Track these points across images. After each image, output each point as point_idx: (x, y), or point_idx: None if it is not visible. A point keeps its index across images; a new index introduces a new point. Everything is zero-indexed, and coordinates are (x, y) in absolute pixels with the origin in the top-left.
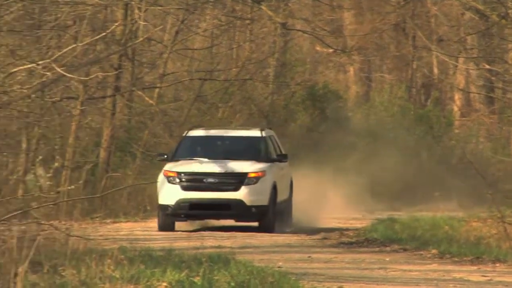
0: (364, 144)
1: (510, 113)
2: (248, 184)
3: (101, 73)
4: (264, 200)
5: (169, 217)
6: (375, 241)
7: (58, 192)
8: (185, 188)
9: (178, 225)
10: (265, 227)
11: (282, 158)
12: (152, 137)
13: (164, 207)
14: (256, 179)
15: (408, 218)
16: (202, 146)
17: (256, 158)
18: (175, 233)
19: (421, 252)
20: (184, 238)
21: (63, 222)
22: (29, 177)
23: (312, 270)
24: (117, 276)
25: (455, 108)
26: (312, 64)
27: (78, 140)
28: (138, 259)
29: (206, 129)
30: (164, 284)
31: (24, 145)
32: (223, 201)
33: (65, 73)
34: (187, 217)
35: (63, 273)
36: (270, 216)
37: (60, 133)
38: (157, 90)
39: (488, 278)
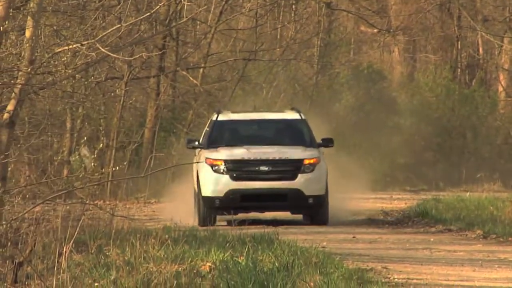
0: (408, 124)
1: None
2: (304, 172)
3: (145, 53)
4: (321, 189)
5: (215, 211)
6: (419, 221)
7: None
8: (236, 178)
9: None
10: (320, 220)
11: (328, 142)
12: (196, 117)
13: (210, 200)
14: (313, 166)
15: (452, 199)
16: (238, 131)
17: (302, 143)
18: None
19: (466, 233)
20: (226, 218)
21: (107, 202)
22: (74, 157)
23: (356, 250)
24: (161, 256)
25: (500, 89)
26: (357, 44)
27: (122, 120)
28: (182, 239)
29: (235, 112)
30: (208, 264)
31: (68, 126)
32: (279, 191)
33: (109, 53)
34: (238, 209)
35: (107, 253)
36: (326, 207)
37: (105, 113)
38: (201, 70)
39: None
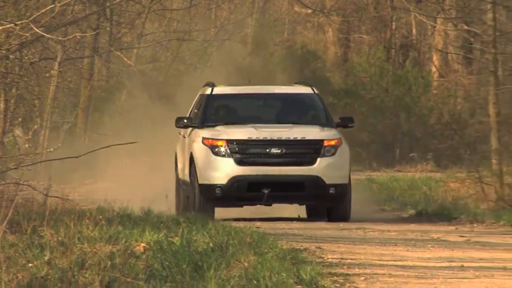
0: (342, 105)
1: (488, 74)
2: (325, 155)
3: (79, 34)
4: (344, 177)
5: (215, 202)
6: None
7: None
8: (241, 162)
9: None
10: (341, 215)
11: (347, 122)
12: (130, 97)
13: (208, 189)
14: (334, 149)
15: (386, 179)
16: (240, 107)
17: (318, 121)
18: (154, 193)
19: (399, 213)
20: (162, 199)
21: (41, 183)
22: (8, 138)
23: (290, 230)
24: (96, 236)
25: (433, 69)
26: (291, 25)
27: (56, 100)
28: (116, 219)
29: (232, 85)
30: (143, 244)
31: (2, 106)
32: (295, 179)
33: (43, 34)
34: (243, 201)
35: (41, 234)
36: (349, 199)
37: (38, 94)
38: (135, 50)
39: (466, 238)
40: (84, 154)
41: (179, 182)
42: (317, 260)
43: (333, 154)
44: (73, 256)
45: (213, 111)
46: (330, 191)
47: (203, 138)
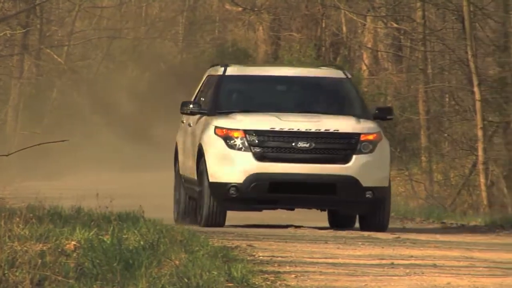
0: None
1: (417, 71)
2: (361, 152)
3: (8, 31)
4: (384, 179)
5: (228, 204)
6: None
7: None
8: (262, 157)
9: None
10: (378, 223)
11: (386, 113)
12: (61, 95)
13: (221, 188)
14: (373, 145)
15: None
16: (259, 91)
17: (352, 111)
18: (84, 191)
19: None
20: (93, 196)
21: None
22: None
23: (222, 228)
24: (26, 234)
25: (364, 67)
26: (222, 23)
27: None
28: (47, 218)
29: (248, 66)
30: (73, 242)
31: None
32: (325, 179)
33: None
34: (263, 203)
35: None
36: (388, 205)
37: None
38: (65, 48)
39: (396, 236)
40: (14, 152)
41: (180, 180)
42: (248, 258)
43: (371, 151)
44: (4, 255)
45: (227, 96)
46: (367, 195)
47: (216, 127)
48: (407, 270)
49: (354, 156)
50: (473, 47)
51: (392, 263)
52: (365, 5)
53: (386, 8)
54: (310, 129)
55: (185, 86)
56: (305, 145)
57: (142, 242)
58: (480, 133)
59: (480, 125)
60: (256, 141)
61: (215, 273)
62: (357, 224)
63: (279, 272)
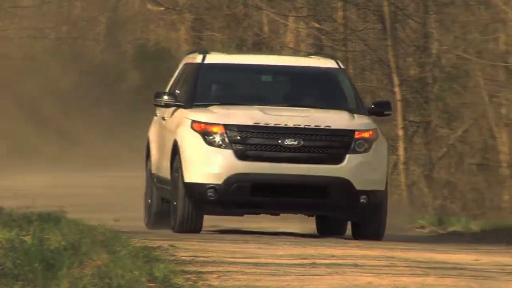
0: None
1: None
2: (356, 151)
3: None
4: (380, 181)
5: (206, 208)
6: None
7: None
8: (244, 155)
9: None
10: (373, 231)
11: (383, 108)
12: None
13: (198, 190)
14: (368, 144)
15: None
16: (242, 82)
17: (346, 106)
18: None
19: None
20: (12, 196)
21: None
22: None
23: (143, 228)
24: None
25: None
26: (144, 23)
27: None
28: None
29: (230, 53)
30: None
31: None
32: (316, 182)
33: None
34: (245, 207)
35: None
36: (384, 212)
37: None
38: None
39: (318, 235)
40: None
41: (152, 179)
42: (170, 258)
43: (367, 150)
44: None
45: (206, 86)
46: (361, 200)
47: (193, 122)
48: (329, 270)
49: (347, 156)
50: (394, 48)
51: (314, 263)
52: (287, 6)
53: (308, 8)
54: (299, 125)
55: (106, 86)
56: (292, 142)
57: (63, 243)
58: (401, 133)
59: (401, 125)
60: (238, 138)
61: (137, 273)
62: (348, 231)
63: (201, 272)
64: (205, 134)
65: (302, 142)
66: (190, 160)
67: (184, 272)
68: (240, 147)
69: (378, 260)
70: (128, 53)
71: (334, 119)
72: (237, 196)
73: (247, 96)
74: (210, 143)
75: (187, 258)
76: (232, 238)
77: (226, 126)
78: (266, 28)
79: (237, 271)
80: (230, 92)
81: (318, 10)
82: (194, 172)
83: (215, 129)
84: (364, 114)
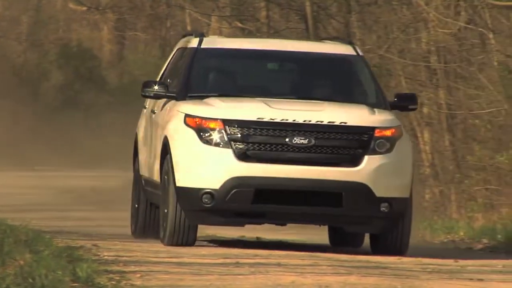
0: (120, 102)
1: None
2: (376, 152)
3: None
4: (404, 187)
5: (202, 217)
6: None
7: None
8: (245, 156)
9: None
10: (396, 245)
11: (408, 101)
12: None
13: (193, 196)
14: (390, 143)
15: None
16: (243, 71)
17: (365, 99)
18: None
19: None
20: None
21: None
22: None
23: (66, 228)
24: None
25: None
26: (66, 22)
27: None
28: None
29: (230, 37)
30: None
31: None
32: (329, 187)
33: None
34: (246, 216)
35: None
36: (408, 221)
37: None
38: None
39: (241, 235)
40: None
41: (139, 181)
42: (93, 258)
43: (389, 150)
44: None
45: (202, 75)
46: (382, 209)
47: (187, 116)
48: (252, 269)
49: (366, 157)
50: None
51: (237, 262)
52: (210, 5)
53: (231, 8)
54: (310, 121)
55: (28, 86)
56: (302, 141)
57: None
58: None
59: None
60: (239, 135)
61: (60, 273)
62: (366, 243)
63: (124, 271)
64: (201, 130)
65: (313, 141)
66: (182, 160)
67: (107, 271)
68: (241, 146)
69: (301, 259)
70: (50, 52)
71: (351, 114)
72: (237, 203)
73: (250, 86)
74: (206, 141)
75: (110, 257)
76: (155, 237)
77: (225, 122)
78: (189, 28)
79: (160, 271)
80: (230, 82)
81: (241, 10)
82: (187, 175)
83: (212, 124)
84: (386, 108)
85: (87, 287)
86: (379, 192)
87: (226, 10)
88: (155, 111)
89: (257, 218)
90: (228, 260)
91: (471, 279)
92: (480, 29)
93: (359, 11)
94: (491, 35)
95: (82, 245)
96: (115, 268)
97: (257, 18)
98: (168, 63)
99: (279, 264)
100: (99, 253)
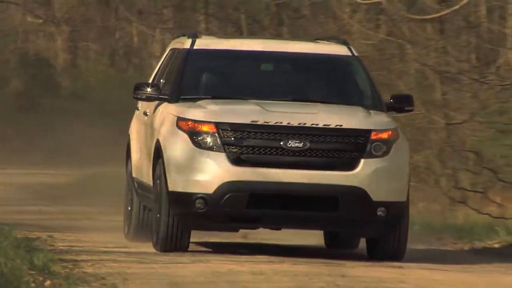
0: (73, 106)
1: None
2: (372, 155)
3: None
4: (400, 190)
5: (194, 222)
6: (79, 194)
7: None
8: (239, 160)
9: None
10: (392, 250)
11: (404, 103)
12: None
13: (185, 200)
14: (387, 146)
15: (112, 174)
16: (237, 72)
17: (360, 100)
18: None
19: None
20: None
21: None
22: None
23: (24, 220)
24: None
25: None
26: (25, 34)
27: None
28: None
29: (223, 38)
30: None
31: None
32: (325, 191)
33: None
34: (241, 222)
35: None
36: (405, 226)
37: None
38: None
39: None
40: None
41: (132, 184)
42: (49, 248)
43: (386, 153)
44: None
45: (195, 77)
46: (379, 213)
47: (179, 119)
48: (193, 258)
49: (362, 161)
50: None
51: (180, 252)
52: (154, 19)
53: (174, 21)
54: (305, 124)
55: None
56: (297, 144)
57: None
58: None
59: None
60: (232, 138)
61: (19, 261)
62: (362, 244)
63: (77, 260)
64: (193, 134)
65: (308, 144)
66: (175, 165)
67: (61, 260)
68: (235, 150)
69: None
70: (10, 61)
71: (347, 116)
72: (231, 208)
73: (244, 88)
74: (199, 145)
75: (64, 247)
76: (106, 228)
77: (218, 125)
78: (136, 39)
79: (109, 259)
80: (223, 84)
81: (182, 23)
82: (180, 179)
83: (205, 128)
84: (382, 110)
85: (43, 275)
86: (376, 196)
87: (169, 23)
88: (147, 113)
89: (251, 223)
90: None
91: (392, 266)
92: (399, 40)
93: (290, 24)
94: (409, 46)
95: (39, 236)
96: (68, 257)
97: (197, 30)
98: (161, 64)
99: (220, 254)
100: (54, 244)
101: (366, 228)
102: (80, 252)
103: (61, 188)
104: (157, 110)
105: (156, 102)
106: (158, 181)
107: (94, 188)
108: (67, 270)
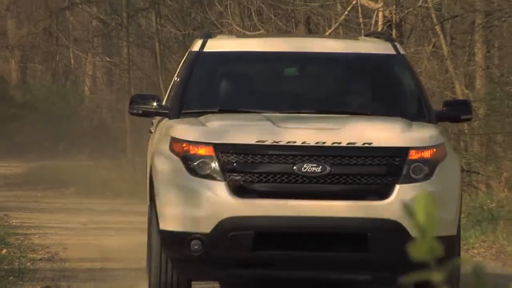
0: (23, 114)
1: (124, 92)
2: (409, 180)
3: None
4: (450, 222)
5: (191, 268)
6: (31, 182)
7: None
8: (243, 190)
9: None
10: None
11: (461, 111)
12: None
13: (179, 242)
14: (430, 167)
15: (54, 166)
16: (256, 78)
17: (401, 109)
18: None
19: (63, 189)
20: None
21: None
22: None
23: None
24: None
25: (86, 88)
26: None
27: None
28: None
29: (241, 36)
30: None
31: None
32: (352, 227)
33: None
34: (246, 268)
35: None
36: (457, 268)
37: None
38: None
39: (110, 207)
40: None
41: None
42: (5, 224)
43: (428, 176)
44: None
45: (202, 86)
46: None
47: (173, 140)
48: (119, 232)
49: (397, 187)
50: (162, 75)
51: (109, 227)
52: (87, 45)
53: (102, 47)
54: (324, 142)
55: None
56: (314, 169)
57: None
58: None
59: None
60: (234, 163)
61: None
62: None
63: (27, 233)
64: (188, 158)
65: (328, 168)
66: (166, 197)
67: (15, 234)
68: (238, 178)
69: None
70: None
71: (379, 131)
72: (234, 250)
73: (259, 99)
74: (195, 172)
75: (17, 223)
76: (49, 209)
77: (216, 147)
78: (72, 61)
79: (52, 233)
80: (235, 94)
81: (109, 48)
82: (172, 215)
83: (201, 151)
84: (429, 121)
85: (0, 245)
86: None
87: (99, 49)
88: (152, 130)
89: (259, 268)
90: (102, 225)
91: None
92: None
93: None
94: None
95: None
96: (20, 231)
97: (120, 54)
98: (178, 71)
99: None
100: (9, 221)
101: (403, 273)
102: (30, 227)
103: (14, 177)
104: (157, 129)
105: (159, 118)
106: (149, 217)
107: (39, 178)
108: (19, 241)
